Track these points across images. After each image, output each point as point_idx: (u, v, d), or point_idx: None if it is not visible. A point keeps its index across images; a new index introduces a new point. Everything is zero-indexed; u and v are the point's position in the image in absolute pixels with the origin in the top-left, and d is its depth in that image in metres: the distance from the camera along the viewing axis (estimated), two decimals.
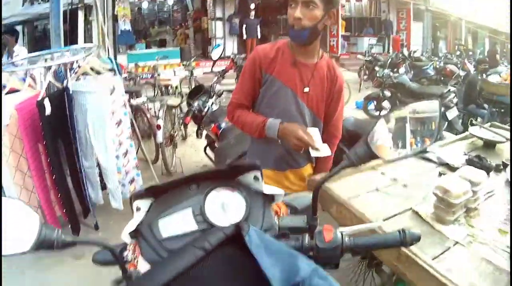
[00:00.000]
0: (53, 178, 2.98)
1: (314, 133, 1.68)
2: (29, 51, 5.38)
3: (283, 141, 1.73)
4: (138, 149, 4.44)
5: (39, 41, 13.42)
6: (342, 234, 0.85)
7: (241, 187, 0.89)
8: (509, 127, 2.67)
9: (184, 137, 6.08)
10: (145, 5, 17.03)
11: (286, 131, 1.68)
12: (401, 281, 1.38)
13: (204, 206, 0.84)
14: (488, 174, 1.93)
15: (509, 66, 10.56)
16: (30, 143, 2.77)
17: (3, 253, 0.69)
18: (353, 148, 0.94)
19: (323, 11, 1.64)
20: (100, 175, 3.34)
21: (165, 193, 0.87)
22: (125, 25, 11.83)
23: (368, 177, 1.87)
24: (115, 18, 11.53)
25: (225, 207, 0.86)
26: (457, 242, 1.33)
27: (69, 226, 3.08)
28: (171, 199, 0.86)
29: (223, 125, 3.52)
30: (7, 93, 2.82)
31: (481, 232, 1.41)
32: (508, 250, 1.30)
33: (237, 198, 0.87)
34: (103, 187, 3.42)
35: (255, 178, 0.89)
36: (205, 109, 3.87)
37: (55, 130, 2.90)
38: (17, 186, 2.73)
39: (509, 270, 1.20)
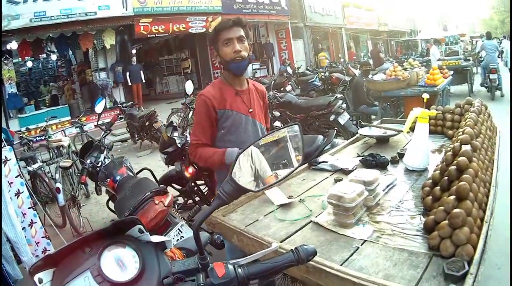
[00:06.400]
0: None
1: None
2: None
3: None
4: (44, 216, 4.23)
5: None
6: (234, 266, 0.89)
7: (131, 241, 0.90)
8: (399, 121, 2.88)
9: (87, 196, 5.88)
10: (29, 64, 16.16)
11: None
12: None
13: (100, 266, 0.84)
14: (385, 168, 2.10)
15: (394, 61, 11.58)
16: None
17: None
18: (222, 186, 0.98)
19: (248, 43, 2.07)
20: (13, 249, 3.19)
21: (64, 259, 0.86)
22: (11, 88, 11.15)
23: (264, 200, 1.90)
24: (1, 82, 10.75)
25: (120, 263, 0.86)
26: (365, 241, 1.38)
27: None
28: (70, 265, 0.85)
29: (118, 178, 3.41)
30: None
31: (388, 224, 1.47)
32: (420, 232, 1.37)
33: (129, 252, 0.89)
34: (19, 261, 3.26)
35: (140, 230, 0.92)
36: (99, 165, 3.74)
37: None
38: None
39: (425, 250, 1.26)
